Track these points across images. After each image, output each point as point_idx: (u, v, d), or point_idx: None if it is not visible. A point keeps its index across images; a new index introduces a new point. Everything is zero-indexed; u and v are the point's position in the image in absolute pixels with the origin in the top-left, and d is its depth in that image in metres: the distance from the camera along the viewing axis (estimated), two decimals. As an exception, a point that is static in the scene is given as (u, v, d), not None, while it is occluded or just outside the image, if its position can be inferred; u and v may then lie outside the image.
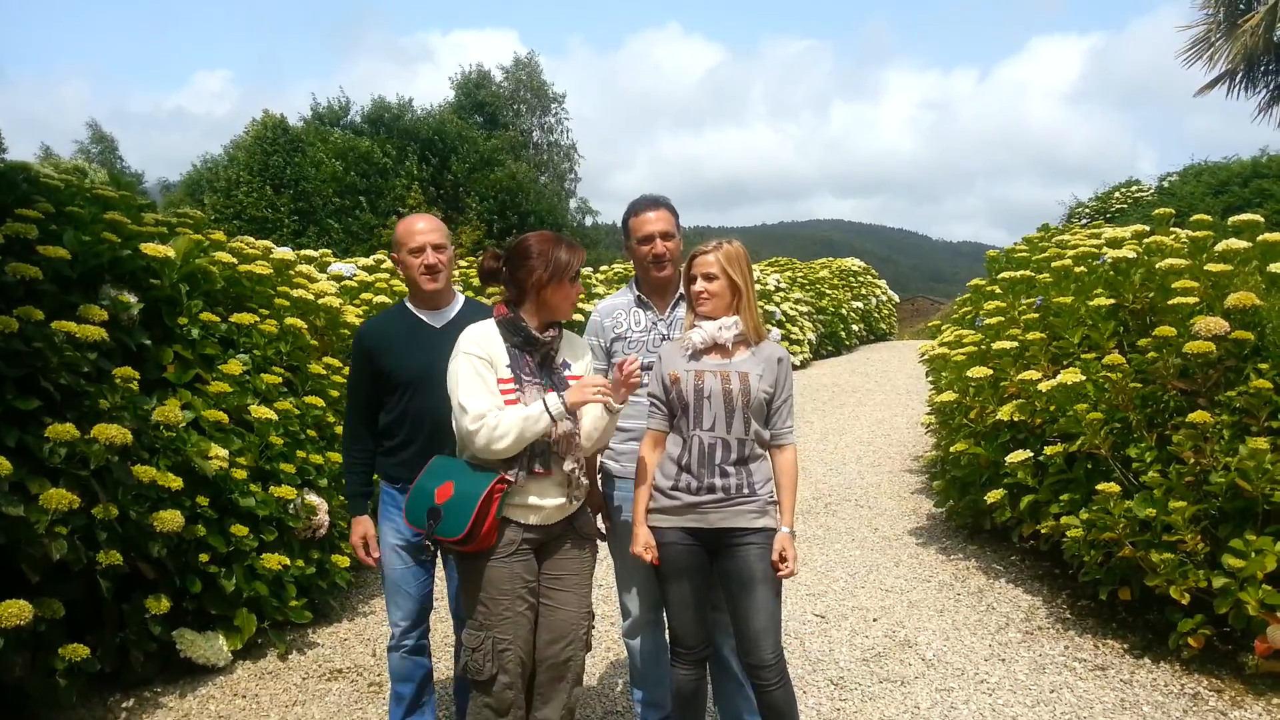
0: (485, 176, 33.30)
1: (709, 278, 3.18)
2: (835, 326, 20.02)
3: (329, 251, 8.67)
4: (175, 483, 4.10)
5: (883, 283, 25.38)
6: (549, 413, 2.86)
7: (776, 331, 13.21)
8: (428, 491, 2.94)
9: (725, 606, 3.26)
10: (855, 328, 21.50)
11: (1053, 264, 5.90)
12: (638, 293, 3.57)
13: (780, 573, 3.11)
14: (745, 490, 3.13)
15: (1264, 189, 21.43)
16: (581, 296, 10.68)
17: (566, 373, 3.09)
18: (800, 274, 20.84)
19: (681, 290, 3.48)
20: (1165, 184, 25.88)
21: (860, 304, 22.41)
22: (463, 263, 10.53)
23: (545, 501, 2.99)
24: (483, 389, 2.89)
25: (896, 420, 11.14)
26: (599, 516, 3.56)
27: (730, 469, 3.12)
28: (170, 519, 3.98)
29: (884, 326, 24.19)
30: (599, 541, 3.36)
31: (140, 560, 4.03)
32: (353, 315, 6.33)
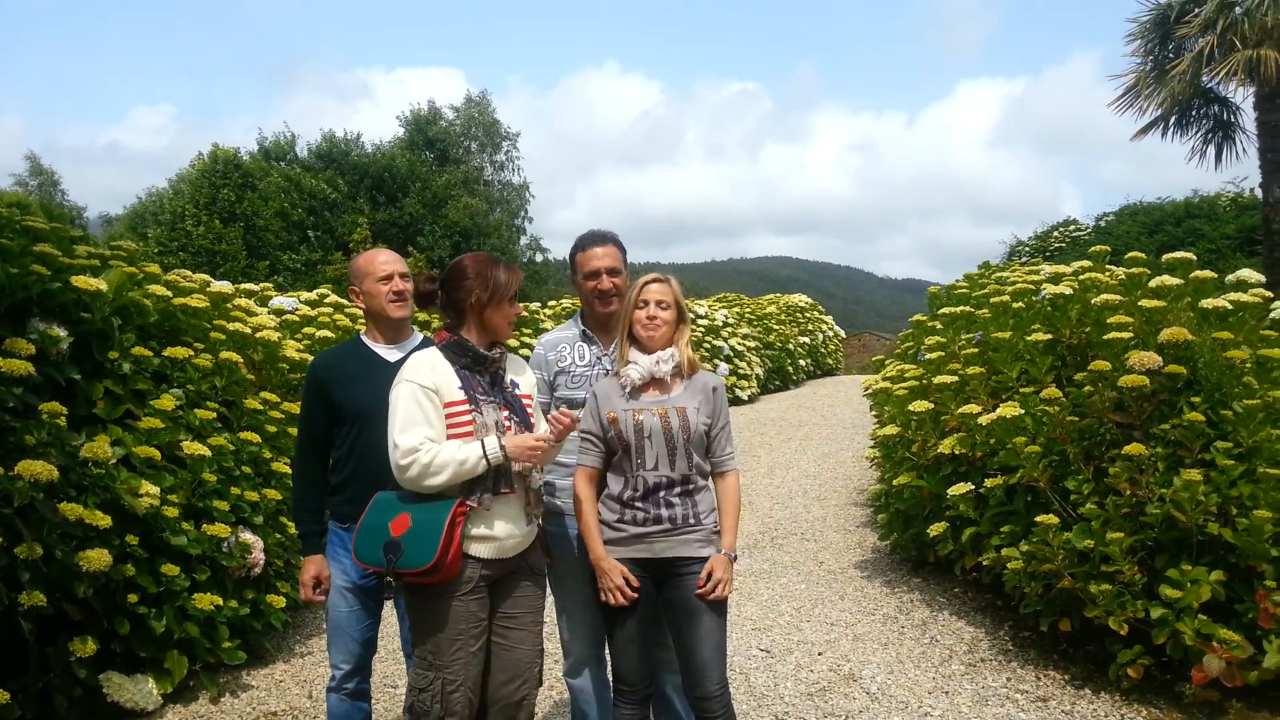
0: (441, 215, 33.21)
1: (663, 305, 3.19)
2: (783, 361, 20.16)
3: (270, 285, 8.55)
4: (103, 521, 3.97)
5: (829, 318, 25.66)
6: (486, 458, 2.82)
7: (724, 367, 13.30)
8: (380, 526, 2.85)
9: (669, 644, 3.24)
10: (803, 363, 21.68)
11: (991, 300, 5.99)
12: (583, 327, 3.56)
13: (701, 590, 3.06)
14: (691, 520, 3.12)
15: (1196, 228, 22.11)
16: (528, 332, 10.60)
17: (516, 391, 3.07)
18: (748, 309, 20.98)
19: None
20: (1102, 223, 26.61)
21: (807, 339, 22.61)
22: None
23: (505, 530, 2.94)
24: (419, 419, 2.83)
25: (842, 454, 11.21)
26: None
27: (675, 500, 3.11)
28: (97, 558, 3.85)
29: (831, 362, 24.42)
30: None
31: (65, 601, 3.89)
32: (292, 350, 6.24)
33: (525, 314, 11.90)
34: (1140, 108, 16.25)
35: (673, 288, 3.23)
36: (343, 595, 3.34)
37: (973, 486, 5.17)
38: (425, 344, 3.43)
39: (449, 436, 2.87)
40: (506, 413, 2.97)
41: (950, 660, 4.91)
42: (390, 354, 3.39)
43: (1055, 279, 5.83)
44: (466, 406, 2.89)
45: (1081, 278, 5.71)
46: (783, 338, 20.72)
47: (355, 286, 3.48)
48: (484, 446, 2.82)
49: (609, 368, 3.43)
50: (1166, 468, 4.37)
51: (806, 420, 14.39)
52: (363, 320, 3.59)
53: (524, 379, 3.16)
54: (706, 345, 16.24)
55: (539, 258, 43.54)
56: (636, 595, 3.06)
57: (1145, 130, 16.60)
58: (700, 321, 16.82)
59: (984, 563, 5.12)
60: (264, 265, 26.99)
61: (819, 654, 5.05)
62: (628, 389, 3.16)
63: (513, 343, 10.55)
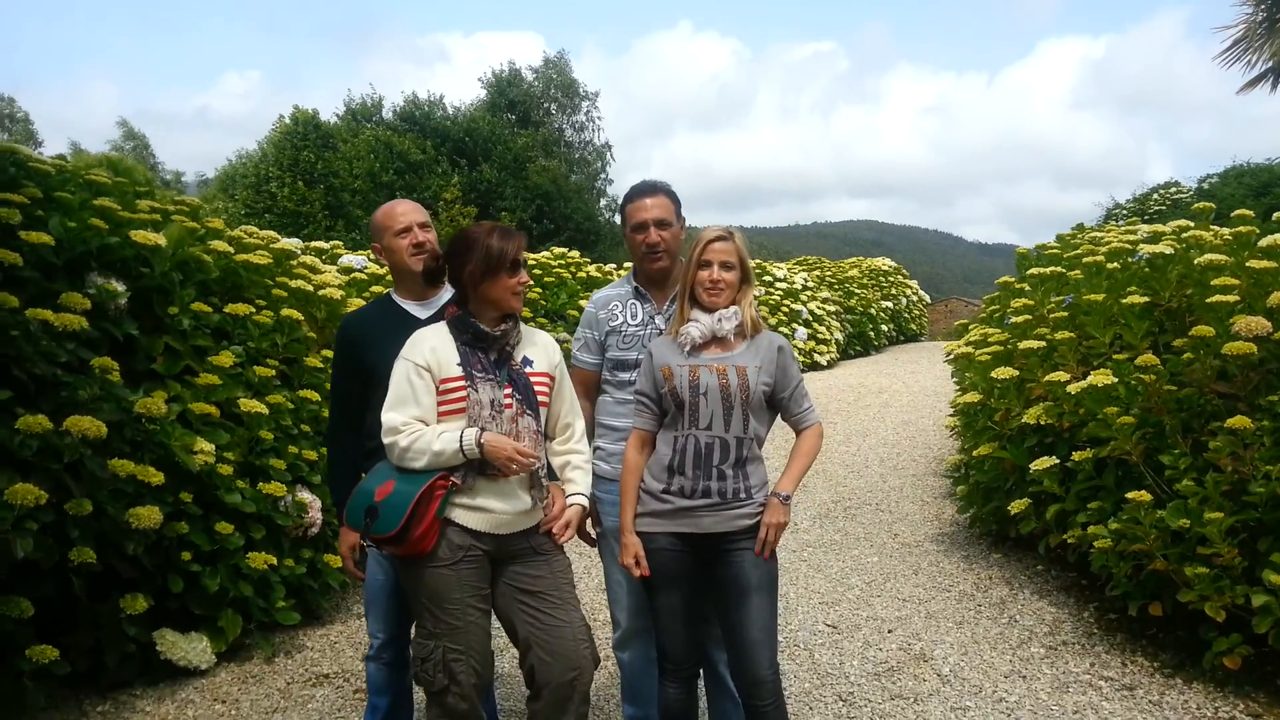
0: (521, 180, 33.15)
1: (727, 266, 2.99)
2: (864, 326, 19.73)
3: (339, 243, 8.53)
4: (156, 477, 3.93)
5: (914, 283, 25.03)
6: (462, 450, 2.71)
7: (803, 331, 12.95)
8: (368, 491, 2.79)
9: (717, 619, 3.06)
10: (885, 328, 21.19)
11: (1084, 260, 5.62)
12: (635, 284, 3.37)
13: (761, 534, 2.92)
14: (742, 494, 2.93)
15: (1308, 190, 20.87)
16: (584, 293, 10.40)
17: (528, 369, 2.91)
18: (829, 273, 20.56)
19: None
20: (1205, 186, 25.35)
21: (890, 304, 22.09)
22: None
23: (498, 504, 2.80)
24: (408, 398, 2.78)
25: (923, 422, 10.84)
26: (588, 521, 3.36)
27: (728, 471, 2.92)
28: (147, 515, 3.81)
29: (914, 327, 23.84)
30: (584, 545, 3.16)
31: (116, 558, 3.87)
32: (357, 307, 6.17)
33: (599, 275, 11.73)
34: (1249, 60, 15.35)
35: (737, 245, 3.02)
36: (379, 563, 3.22)
37: (1058, 460, 4.86)
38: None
39: (443, 414, 2.79)
40: (509, 390, 2.82)
41: (1029, 642, 4.63)
42: (421, 311, 3.22)
43: (1154, 238, 5.43)
44: (463, 383, 2.78)
45: (1184, 236, 5.32)
46: (864, 302, 20.27)
47: (376, 243, 3.33)
48: (462, 438, 2.71)
49: (661, 327, 3.24)
50: (1273, 443, 4.01)
51: (887, 387, 14.00)
52: None
53: (541, 356, 2.99)
54: (785, 309, 15.90)
55: (618, 219, 43.41)
56: (648, 574, 2.94)
57: (1253, 84, 15.71)
58: (779, 285, 16.49)
59: (1069, 540, 4.83)
60: (343, 225, 27.27)
61: (889, 631, 4.82)
62: (687, 347, 2.97)
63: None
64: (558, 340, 3.19)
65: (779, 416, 3.13)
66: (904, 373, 15.64)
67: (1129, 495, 4.20)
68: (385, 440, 2.76)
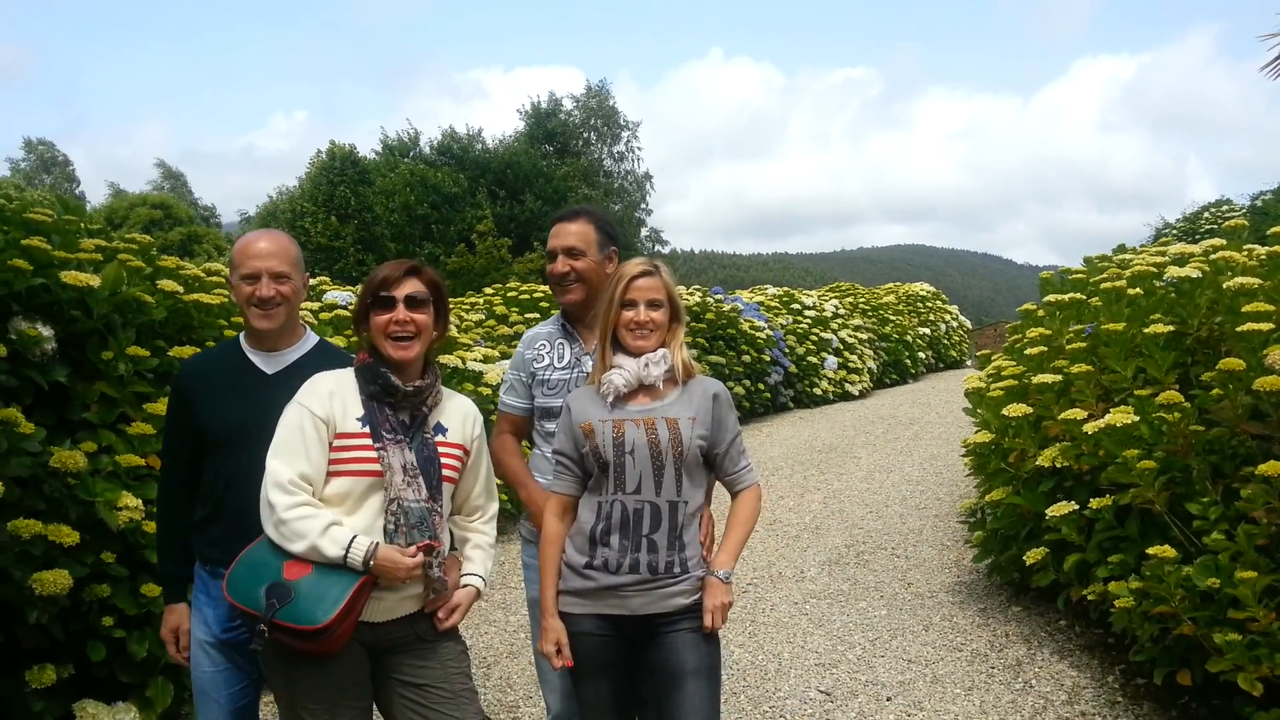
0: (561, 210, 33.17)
1: (654, 304, 2.62)
2: (899, 354, 19.14)
3: (326, 278, 8.28)
4: (70, 537, 3.60)
5: (954, 308, 24.36)
6: (345, 556, 2.30)
7: (832, 360, 12.34)
8: (270, 565, 2.33)
9: (651, 708, 2.65)
10: (922, 355, 20.55)
11: (1103, 285, 5.14)
12: (563, 321, 3.01)
13: (705, 623, 2.52)
14: (676, 569, 2.53)
15: (1367, 206, 19.98)
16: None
17: (439, 438, 2.54)
18: (862, 299, 20.03)
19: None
20: (1259, 203, 24.47)
21: (928, 330, 21.47)
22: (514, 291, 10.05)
23: (384, 591, 2.41)
24: (298, 449, 2.38)
25: (951, 456, 10.26)
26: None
27: (659, 541, 2.53)
28: (53, 580, 3.48)
29: (954, 354, 23.16)
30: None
31: (19, 627, 3.55)
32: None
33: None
34: (1300, 71, 14.61)
35: (664, 279, 2.65)
36: (205, 651, 2.73)
37: (1076, 506, 4.39)
38: (319, 350, 2.83)
39: (337, 474, 2.41)
40: (413, 461, 2.44)
41: (1044, 712, 4.15)
42: (269, 363, 2.75)
43: (1181, 260, 4.95)
44: (368, 441, 2.40)
45: (1213, 258, 4.83)
46: (900, 329, 19.69)
47: (230, 277, 2.80)
48: (352, 546, 2.31)
49: (590, 370, 2.86)
50: (1315, 491, 3.53)
51: (919, 418, 13.43)
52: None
53: (456, 424, 2.60)
54: (814, 337, 15.42)
55: (665, 249, 43.38)
56: (571, 664, 2.56)
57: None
58: (807, 313, 16.02)
59: (1089, 597, 4.34)
60: (370, 258, 27.34)
61: (887, 700, 4.35)
62: (610, 398, 2.59)
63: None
64: None
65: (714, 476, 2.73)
66: (939, 402, 15.04)
67: (1150, 550, 3.73)
68: (268, 493, 2.34)
